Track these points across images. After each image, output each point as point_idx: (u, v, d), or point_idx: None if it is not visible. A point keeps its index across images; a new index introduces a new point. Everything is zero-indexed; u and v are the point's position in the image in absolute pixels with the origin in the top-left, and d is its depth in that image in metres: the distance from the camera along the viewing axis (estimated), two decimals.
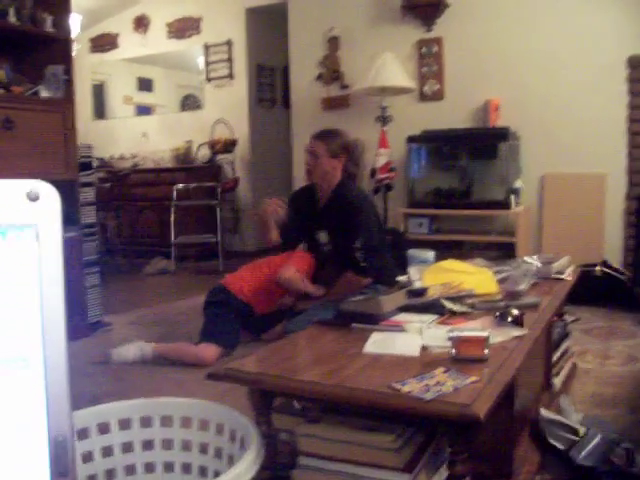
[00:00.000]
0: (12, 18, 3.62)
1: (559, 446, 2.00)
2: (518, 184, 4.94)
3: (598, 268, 4.42)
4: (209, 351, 3.28)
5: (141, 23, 8.03)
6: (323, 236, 3.46)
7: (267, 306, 3.48)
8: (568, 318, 3.07)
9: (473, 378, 1.49)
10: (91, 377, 3.17)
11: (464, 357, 1.63)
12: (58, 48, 3.91)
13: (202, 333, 3.39)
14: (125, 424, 1.64)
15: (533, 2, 5.03)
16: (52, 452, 0.46)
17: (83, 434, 1.58)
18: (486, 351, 1.63)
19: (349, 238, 3.22)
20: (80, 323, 3.94)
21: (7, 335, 0.47)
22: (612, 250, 4.82)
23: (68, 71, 3.86)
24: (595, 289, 4.30)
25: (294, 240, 3.64)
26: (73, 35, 4.07)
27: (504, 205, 4.83)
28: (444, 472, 1.53)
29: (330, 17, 5.91)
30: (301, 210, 3.53)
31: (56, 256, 0.46)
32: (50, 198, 0.47)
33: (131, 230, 7.23)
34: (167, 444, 1.66)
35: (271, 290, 3.43)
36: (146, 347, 3.41)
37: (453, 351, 1.65)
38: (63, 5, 3.92)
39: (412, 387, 1.44)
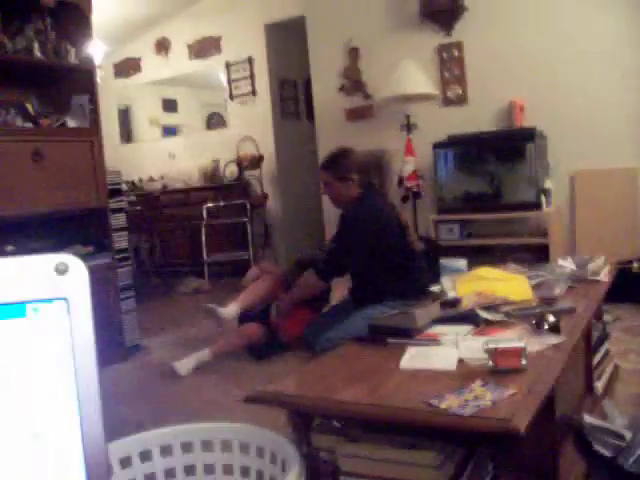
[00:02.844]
0: (37, 52, 3.70)
1: (605, 453, 1.97)
2: (548, 184, 4.89)
3: (635, 265, 4.34)
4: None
5: (162, 46, 8.13)
6: None
7: None
8: (607, 319, 3.03)
9: (512, 390, 1.47)
10: (132, 402, 3.20)
11: (502, 368, 1.61)
12: (83, 78, 3.98)
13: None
14: (167, 450, 1.65)
15: (553, 1, 4.99)
16: None
17: (126, 462, 1.60)
18: (524, 361, 1.61)
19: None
20: (118, 348, 3.99)
21: (42, 408, 0.48)
22: None
23: (93, 100, 3.93)
24: (633, 286, 4.22)
25: None
26: (97, 62, 4.14)
27: (535, 206, 4.78)
28: None
29: (348, 28, 5.93)
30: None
31: (87, 327, 0.47)
32: (78, 270, 0.48)
33: (164, 251, 7.30)
34: (209, 469, 1.67)
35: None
36: (202, 354, 3.72)
37: (490, 363, 1.63)
38: (85, 35, 3.99)
39: (450, 403, 1.43)
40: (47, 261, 0.47)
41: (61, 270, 0.46)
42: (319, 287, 3.49)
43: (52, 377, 0.47)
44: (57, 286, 0.47)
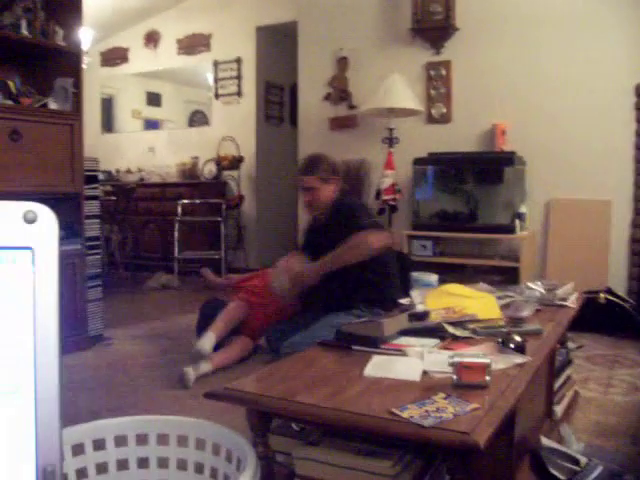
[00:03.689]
0: (24, 30, 3.65)
1: (560, 476, 1.98)
2: (523, 209, 4.94)
3: (602, 295, 4.39)
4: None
5: (152, 38, 8.09)
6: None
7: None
8: (571, 345, 3.05)
9: (474, 405, 1.47)
10: (90, 392, 3.16)
11: (465, 383, 1.61)
12: (68, 61, 3.93)
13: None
14: (121, 441, 1.62)
15: (541, 27, 5.05)
16: None
17: (78, 450, 1.56)
18: (487, 378, 1.61)
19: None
20: (80, 336, 3.93)
21: None
22: (617, 277, 4.80)
23: (77, 84, 3.88)
24: (599, 316, 4.27)
25: None
26: (85, 49, 4.10)
27: (508, 230, 4.81)
28: None
29: (339, 38, 5.94)
30: (310, 239, 3.54)
31: (52, 280, 0.45)
32: (47, 220, 0.46)
33: (135, 244, 7.24)
34: (163, 462, 1.64)
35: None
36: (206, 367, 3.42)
37: (454, 377, 1.63)
38: (74, 19, 3.95)
39: (412, 413, 1.42)
40: (15, 208, 0.45)
41: (29, 219, 0.44)
42: (376, 248, 3.09)
43: (9, 332, 0.45)
44: (22, 235, 0.44)
